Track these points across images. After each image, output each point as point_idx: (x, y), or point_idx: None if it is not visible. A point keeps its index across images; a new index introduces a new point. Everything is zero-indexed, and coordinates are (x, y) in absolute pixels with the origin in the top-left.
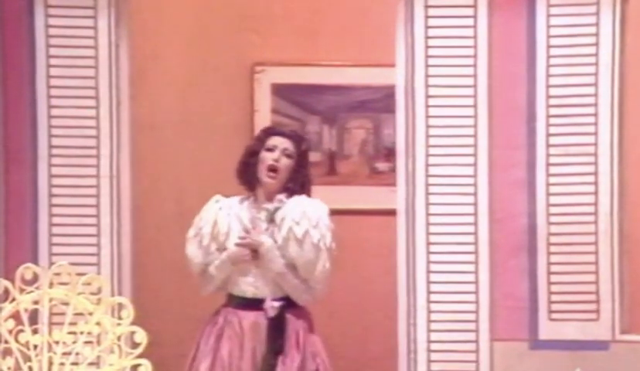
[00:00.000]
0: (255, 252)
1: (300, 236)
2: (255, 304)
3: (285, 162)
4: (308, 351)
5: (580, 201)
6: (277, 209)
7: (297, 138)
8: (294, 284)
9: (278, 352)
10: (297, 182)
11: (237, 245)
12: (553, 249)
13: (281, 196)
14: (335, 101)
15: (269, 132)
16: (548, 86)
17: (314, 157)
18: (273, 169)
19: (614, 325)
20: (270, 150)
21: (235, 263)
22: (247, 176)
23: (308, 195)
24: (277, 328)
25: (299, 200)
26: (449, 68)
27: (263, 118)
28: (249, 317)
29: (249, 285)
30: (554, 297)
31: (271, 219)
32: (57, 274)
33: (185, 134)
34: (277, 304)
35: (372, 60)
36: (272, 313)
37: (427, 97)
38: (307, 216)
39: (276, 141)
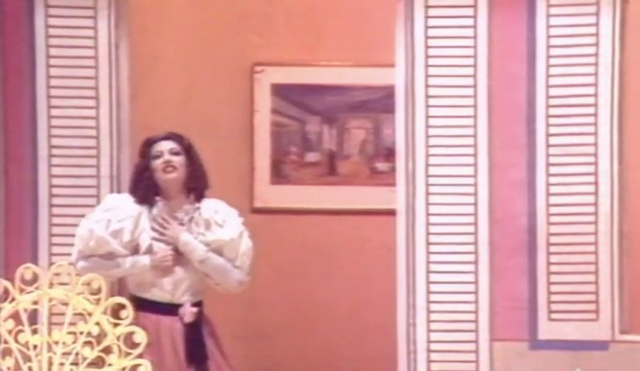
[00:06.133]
0: (177, 252)
1: (220, 221)
2: (171, 309)
3: (177, 159)
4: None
5: (580, 201)
6: (194, 211)
7: (176, 137)
8: (220, 263)
9: (204, 359)
10: (196, 179)
11: (155, 240)
12: (553, 249)
13: (190, 203)
14: (335, 101)
15: (149, 142)
16: (548, 86)
17: (314, 157)
18: (170, 166)
19: (613, 325)
20: (157, 157)
21: (155, 267)
22: (144, 193)
23: (207, 186)
24: (194, 334)
25: (213, 201)
26: (449, 68)
27: (264, 118)
28: (164, 322)
29: (166, 292)
30: (554, 297)
31: (189, 220)
32: (57, 274)
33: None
34: (194, 309)
35: (372, 60)
36: (189, 319)
37: (427, 97)
38: (223, 209)
39: (159, 146)
